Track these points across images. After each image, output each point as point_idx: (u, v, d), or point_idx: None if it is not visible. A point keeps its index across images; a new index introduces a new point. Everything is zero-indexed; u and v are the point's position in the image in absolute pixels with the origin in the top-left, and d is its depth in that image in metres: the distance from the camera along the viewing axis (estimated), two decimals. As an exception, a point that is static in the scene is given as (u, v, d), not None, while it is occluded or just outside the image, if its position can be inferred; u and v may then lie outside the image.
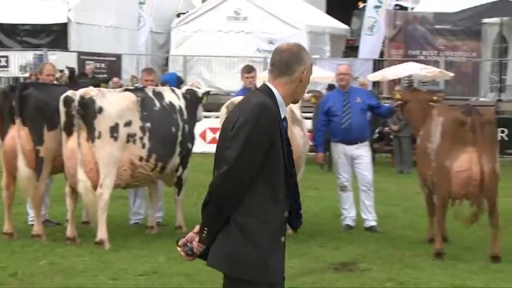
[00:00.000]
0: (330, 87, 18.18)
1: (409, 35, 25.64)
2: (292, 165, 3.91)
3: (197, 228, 3.85)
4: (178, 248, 3.86)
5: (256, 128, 3.72)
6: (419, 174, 9.36)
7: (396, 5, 27.85)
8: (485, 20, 25.39)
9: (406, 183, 13.65)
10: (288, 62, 3.88)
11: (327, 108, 10.26)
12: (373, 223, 10.06)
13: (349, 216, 10.17)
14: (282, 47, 3.94)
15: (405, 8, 28.56)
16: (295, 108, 9.87)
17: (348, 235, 9.74)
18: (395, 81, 22.55)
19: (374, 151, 17.50)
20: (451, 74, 22.90)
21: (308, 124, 11.41)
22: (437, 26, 25.57)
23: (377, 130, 17.87)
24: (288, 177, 3.86)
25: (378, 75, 22.60)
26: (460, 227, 9.75)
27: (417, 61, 23.55)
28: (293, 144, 9.39)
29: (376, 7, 25.82)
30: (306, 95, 10.72)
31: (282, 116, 3.86)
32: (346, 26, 29.62)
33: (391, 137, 17.64)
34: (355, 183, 10.24)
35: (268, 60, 4.07)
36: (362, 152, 10.19)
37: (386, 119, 15.91)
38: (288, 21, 26.28)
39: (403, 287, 7.28)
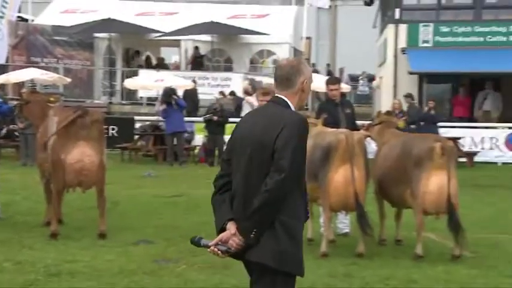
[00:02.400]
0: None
1: (30, 44, 25.03)
2: None
3: (233, 229, 3.63)
4: (212, 247, 3.63)
5: (301, 140, 3.66)
6: (38, 167, 9.17)
7: (18, 16, 26.92)
8: (97, 35, 25.83)
9: (29, 174, 13.22)
10: (288, 75, 3.76)
11: None
12: (-4, 211, 9.59)
13: (-29, 206, 9.57)
14: (283, 63, 3.85)
15: (26, 20, 27.74)
16: None
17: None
18: (20, 84, 21.83)
19: (0, 146, 16.75)
20: (69, 80, 22.91)
21: None
22: (55, 37, 25.36)
23: (5, 128, 17.20)
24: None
25: (3, 79, 21.78)
26: (74, 211, 9.79)
27: (39, 67, 23.11)
28: None
29: (-1, 17, 24.69)
30: None
31: None
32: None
33: (17, 133, 17.06)
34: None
35: None
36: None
37: (8, 117, 15.29)
38: None
39: (21, 266, 7.03)
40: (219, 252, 3.63)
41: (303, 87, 3.79)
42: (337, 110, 8.97)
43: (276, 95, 3.80)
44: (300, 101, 3.83)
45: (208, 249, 3.65)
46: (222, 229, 3.68)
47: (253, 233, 3.60)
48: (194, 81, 22.11)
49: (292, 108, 3.78)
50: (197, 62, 26.23)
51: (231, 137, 3.84)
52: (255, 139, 3.67)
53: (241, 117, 4.33)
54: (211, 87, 24.27)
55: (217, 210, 3.75)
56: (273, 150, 3.60)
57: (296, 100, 3.80)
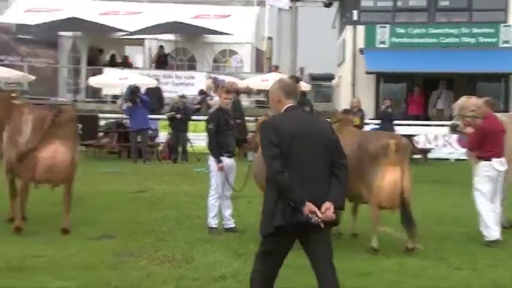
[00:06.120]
0: None
1: (-6, 42, 24.60)
2: None
3: (328, 204, 4.43)
4: (322, 219, 4.38)
5: None
6: (6, 163, 8.84)
7: (-19, 15, 26.47)
8: (61, 33, 25.50)
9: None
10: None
11: None
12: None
13: None
14: (292, 82, 4.94)
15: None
16: None
17: None
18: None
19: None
20: (33, 77, 22.55)
21: None
22: (20, 36, 24.95)
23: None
24: None
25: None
26: (37, 205, 9.61)
27: (3, 65, 22.72)
28: None
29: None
30: None
31: None
32: None
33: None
34: None
35: None
36: None
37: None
38: None
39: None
40: (329, 220, 4.42)
41: None
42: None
43: (294, 104, 4.69)
44: None
45: (319, 220, 4.37)
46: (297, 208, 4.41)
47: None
48: (157, 80, 22.08)
49: None
50: (161, 61, 26.10)
51: (276, 131, 4.49)
52: (325, 136, 4.62)
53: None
54: (175, 85, 24.19)
55: (291, 188, 4.40)
56: (334, 143, 4.62)
57: None
